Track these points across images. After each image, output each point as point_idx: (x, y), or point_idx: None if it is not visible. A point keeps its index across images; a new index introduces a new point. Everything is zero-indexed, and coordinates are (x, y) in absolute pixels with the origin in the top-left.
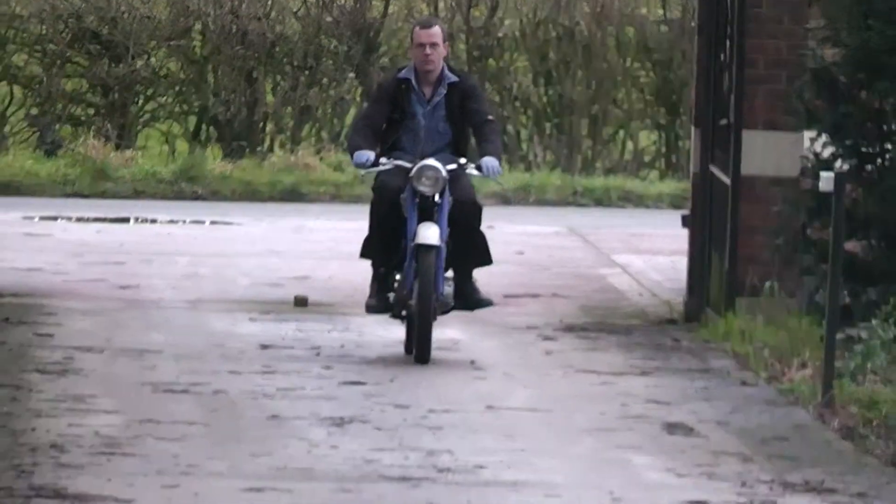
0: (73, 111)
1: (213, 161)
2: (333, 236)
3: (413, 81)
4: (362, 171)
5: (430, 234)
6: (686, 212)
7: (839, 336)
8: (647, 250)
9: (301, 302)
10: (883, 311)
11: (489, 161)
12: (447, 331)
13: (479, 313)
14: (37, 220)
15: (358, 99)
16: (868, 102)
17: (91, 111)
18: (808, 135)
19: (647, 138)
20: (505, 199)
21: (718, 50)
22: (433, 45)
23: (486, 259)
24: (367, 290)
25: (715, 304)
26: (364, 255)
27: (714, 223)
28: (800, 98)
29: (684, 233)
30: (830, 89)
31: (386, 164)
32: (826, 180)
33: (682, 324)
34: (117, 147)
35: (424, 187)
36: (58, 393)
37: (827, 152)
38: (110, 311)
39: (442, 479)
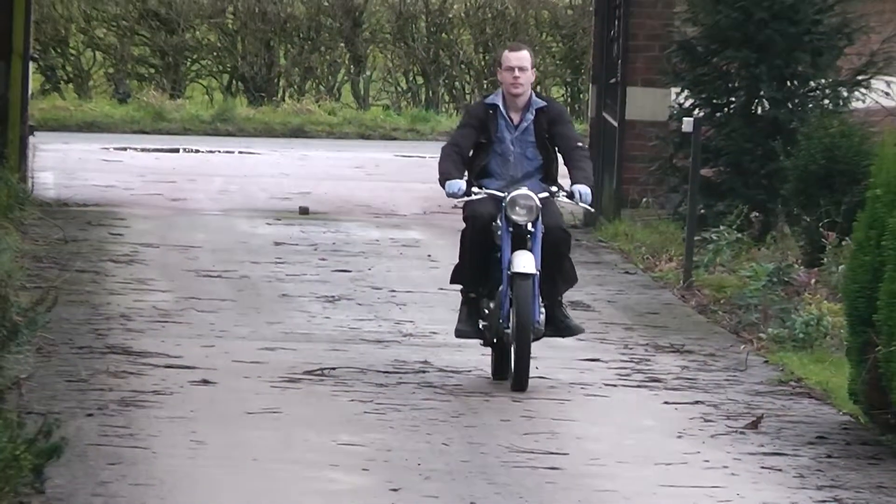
0: (139, 70)
1: (241, 107)
2: (328, 163)
3: (501, 107)
4: (455, 200)
5: (526, 262)
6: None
7: (696, 238)
8: (558, 174)
9: (304, 211)
10: (728, 219)
11: (581, 189)
12: (410, 232)
13: (434, 218)
14: (111, 150)
15: (347, 62)
16: (718, 66)
17: (152, 70)
18: (674, 90)
19: (557, 92)
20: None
21: (610, 27)
22: (522, 68)
23: (573, 281)
24: (354, 203)
25: (606, 213)
26: (455, 280)
27: (605, 154)
28: (669, 63)
29: None
30: (691, 56)
31: (478, 193)
32: (687, 123)
33: (582, 228)
34: (171, 97)
35: (518, 216)
36: (126, 277)
37: (688, 103)
38: (165, 217)
39: (406, 341)
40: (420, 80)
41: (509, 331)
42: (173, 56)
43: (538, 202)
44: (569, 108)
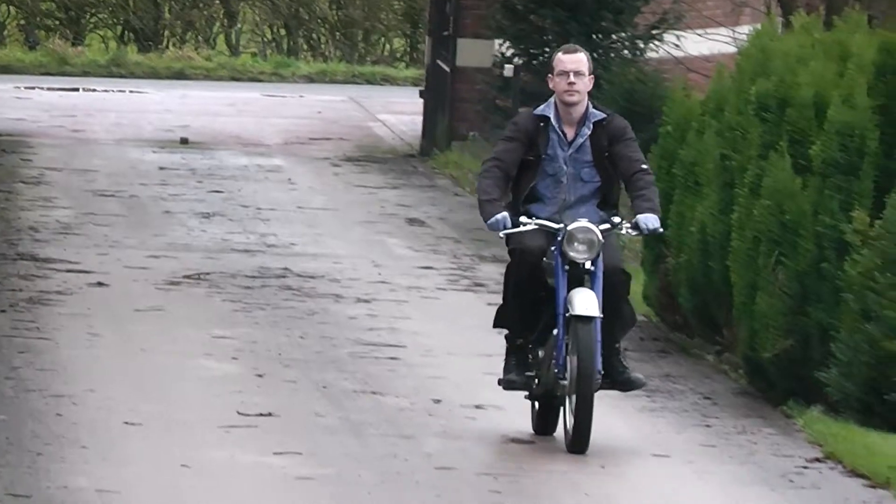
0: (46, 22)
1: (132, 54)
2: (205, 102)
3: (553, 119)
4: (499, 234)
5: (588, 303)
6: (422, 88)
7: None
8: (399, 112)
9: (184, 141)
10: None
11: (648, 220)
12: (273, 159)
13: (294, 147)
14: (22, 89)
15: (221, 17)
16: (535, 22)
17: (57, 22)
18: (497, 42)
19: (399, 42)
20: (310, 79)
21: None
22: (578, 73)
23: (630, 326)
24: (226, 135)
25: (439, 144)
26: (499, 325)
27: (439, 96)
28: (494, 19)
29: (420, 101)
30: (512, 14)
31: (527, 224)
32: (508, 69)
33: (419, 157)
34: (73, 45)
35: (577, 254)
36: (34, 195)
37: (509, 52)
38: (67, 146)
39: (270, 251)
40: (283, 31)
41: (566, 382)
42: (76, 10)
43: (600, 237)
44: (409, 56)
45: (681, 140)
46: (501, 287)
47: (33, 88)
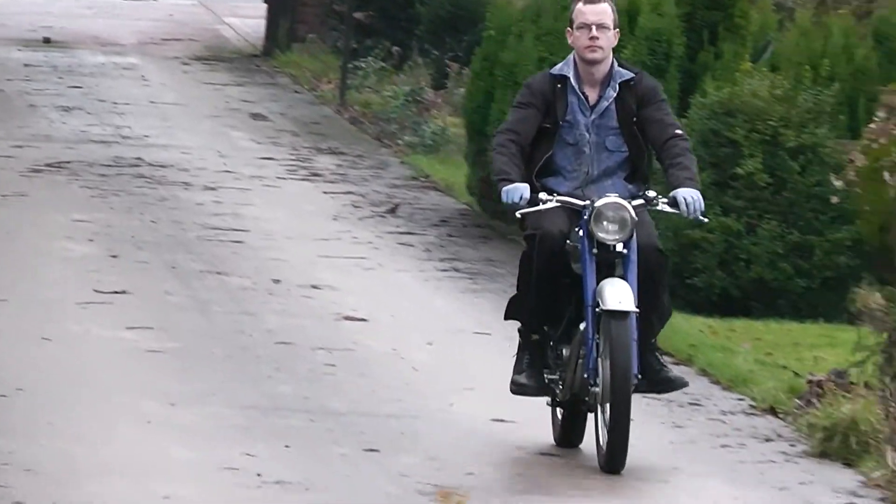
0: None
1: None
2: (67, 5)
3: (573, 80)
4: (518, 213)
5: (622, 295)
6: None
7: (350, 66)
8: (244, 16)
9: (46, 40)
10: (375, 52)
11: (687, 195)
12: (128, 58)
13: (148, 47)
14: None
15: None
16: None
17: None
18: None
19: None
20: None
21: None
22: (601, 26)
23: (668, 317)
24: (86, 35)
25: (280, 46)
26: (512, 316)
27: (285, 3)
28: None
29: (264, 5)
30: None
31: (548, 200)
32: None
33: (262, 57)
34: None
35: (607, 234)
36: None
37: None
38: None
39: (125, 142)
40: None
41: (597, 388)
42: None
43: (633, 214)
44: None
45: (502, 44)
46: (296, 152)
47: None
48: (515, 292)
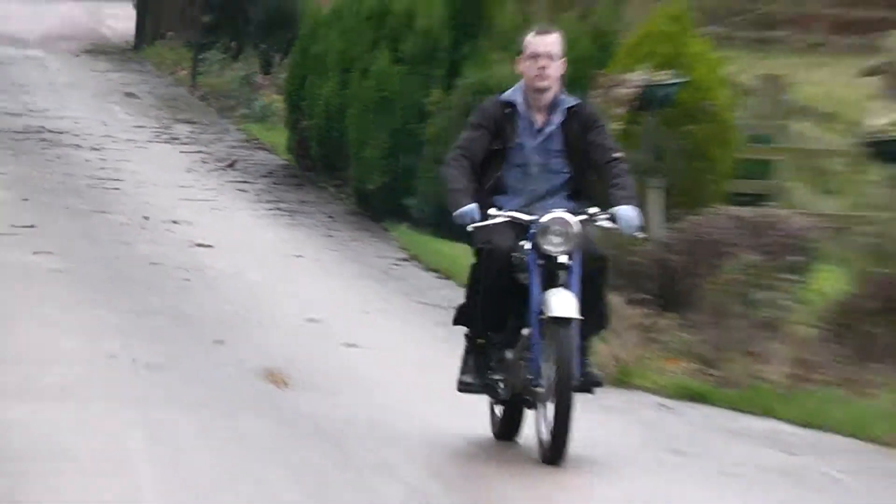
0: None
1: None
2: None
3: (521, 106)
4: (469, 227)
5: (566, 304)
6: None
7: (199, 56)
8: (119, 18)
9: None
10: (218, 46)
11: (626, 212)
12: (33, 51)
13: (48, 43)
14: None
15: None
16: None
17: None
18: None
19: None
20: None
21: None
22: (550, 56)
23: (605, 325)
24: (1, 35)
25: (147, 41)
26: (460, 322)
27: (146, 4)
28: None
29: (134, 11)
30: None
31: (497, 216)
32: None
33: (133, 50)
34: None
35: (553, 247)
36: None
37: None
38: None
39: (31, 114)
40: None
41: (541, 389)
42: None
43: (577, 228)
44: None
45: (313, 39)
46: (159, 122)
47: None
48: (464, 301)
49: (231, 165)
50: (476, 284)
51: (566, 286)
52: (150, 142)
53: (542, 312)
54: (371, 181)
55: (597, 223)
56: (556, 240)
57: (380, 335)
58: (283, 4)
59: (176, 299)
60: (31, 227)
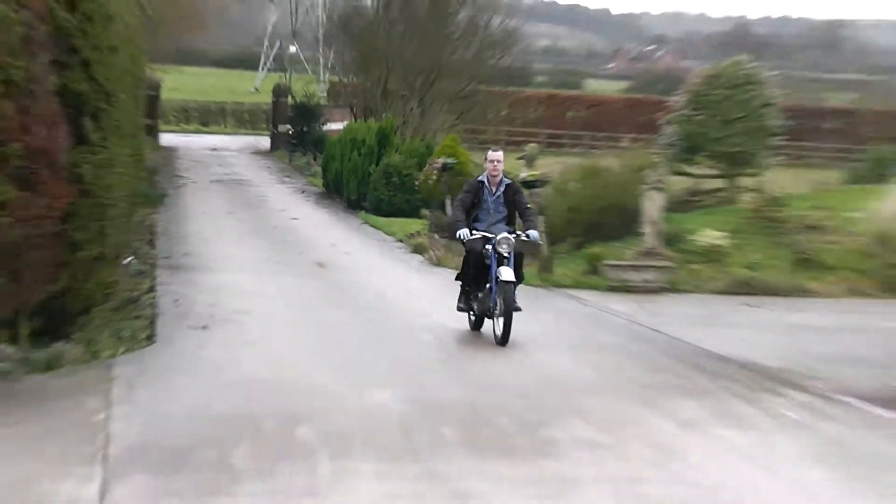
0: None
1: None
2: None
3: (486, 182)
4: (463, 240)
5: (509, 274)
6: None
7: (293, 153)
8: (265, 142)
9: None
10: None
11: (533, 233)
12: None
13: None
14: None
15: None
16: None
17: None
18: None
19: None
20: None
21: None
22: (499, 161)
23: (521, 280)
24: None
25: (274, 149)
26: (459, 279)
27: (274, 139)
28: None
29: (270, 140)
30: None
31: (476, 235)
32: None
33: (269, 152)
34: None
35: (502, 249)
36: None
37: None
38: None
39: (231, 174)
40: None
41: (497, 311)
42: None
43: (513, 241)
44: None
45: (331, 146)
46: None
47: None
48: (460, 271)
49: (303, 192)
50: (466, 266)
51: (508, 265)
52: (275, 184)
53: (497, 277)
54: (351, 196)
55: (521, 238)
56: (505, 246)
57: (358, 250)
58: (321, 136)
59: (284, 238)
60: (231, 212)
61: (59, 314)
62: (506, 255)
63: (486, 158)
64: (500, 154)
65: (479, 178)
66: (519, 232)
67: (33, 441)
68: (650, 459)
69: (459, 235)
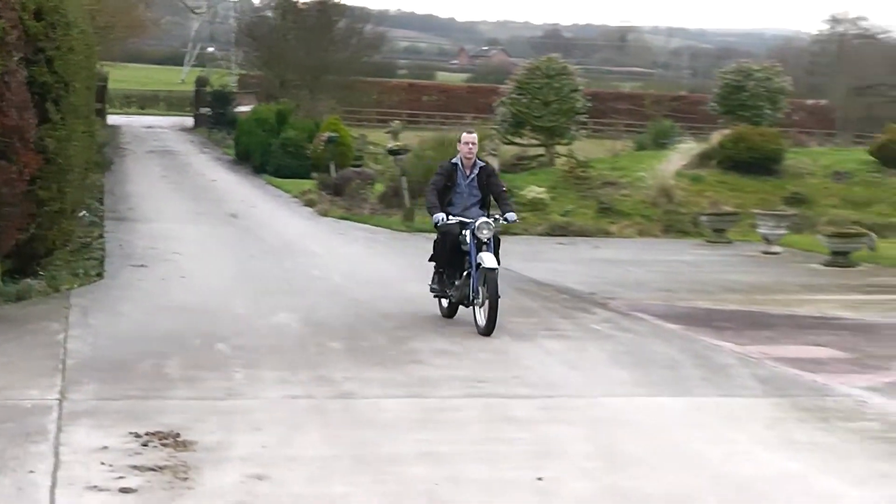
0: None
1: None
2: None
3: (460, 164)
4: (438, 224)
5: (492, 260)
6: None
7: (212, 129)
8: (189, 121)
9: None
10: None
11: (511, 215)
12: None
13: None
14: None
15: None
16: None
17: None
18: None
19: None
20: None
21: None
22: (473, 143)
23: (499, 262)
24: None
25: (198, 126)
26: (433, 260)
27: (197, 119)
28: None
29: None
30: None
31: (453, 220)
32: None
33: (193, 129)
34: None
35: (482, 234)
36: None
37: None
38: None
39: (163, 147)
40: None
41: (480, 300)
42: None
43: (493, 225)
44: None
45: (242, 125)
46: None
47: None
48: (433, 254)
49: (219, 160)
50: (439, 250)
51: (488, 250)
52: (198, 154)
53: (479, 264)
54: (257, 163)
55: (499, 221)
56: (486, 231)
57: (263, 204)
58: (233, 116)
59: (205, 195)
60: (164, 175)
61: (28, 256)
62: (485, 240)
63: (458, 140)
64: (474, 136)
65: (453, 161)
66: (497, 216)
67: (6, 356)
68: (491, 363)
69: (435, 220)
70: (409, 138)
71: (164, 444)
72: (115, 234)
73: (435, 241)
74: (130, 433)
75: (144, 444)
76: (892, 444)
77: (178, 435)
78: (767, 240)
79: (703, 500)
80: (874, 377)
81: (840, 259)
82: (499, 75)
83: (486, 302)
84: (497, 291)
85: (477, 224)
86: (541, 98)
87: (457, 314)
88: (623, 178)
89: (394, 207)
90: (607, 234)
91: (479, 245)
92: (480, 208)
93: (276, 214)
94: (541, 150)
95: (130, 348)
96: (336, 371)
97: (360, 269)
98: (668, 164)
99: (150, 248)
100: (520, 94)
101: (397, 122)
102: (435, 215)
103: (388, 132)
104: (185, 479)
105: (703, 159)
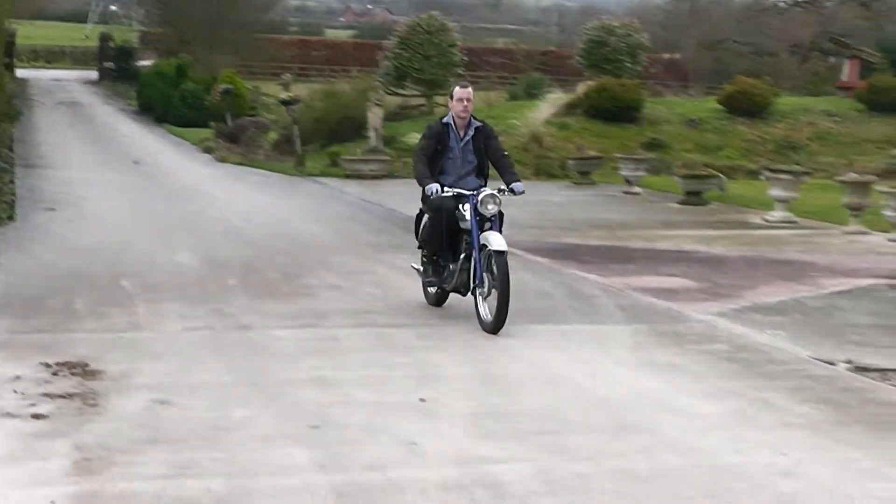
0: None
1: None
2: None
3: (452, 125)
4: (431, 196)
5: (501, 242)
6: None
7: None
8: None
9: None
10: None
11: (518, 185)
12: None
13: None
14: None
15: None
16: None
17: None
18: None
19: None
20: None
21: None
22: (468, 100)
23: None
24: None
25: (103, 79)
26: (423, 246)
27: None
28: None
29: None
30: None
31: (449, 192)
32: None
33: (98, 83)
34: None
35: (486, 210)
36: None
37: None
38: None
39: (70, 100)
40: None
41: (485, 288)
42: None
43: (500, 198)
44: None
45: (145, 77)
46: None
47: None
48: (426, 235)
49: (123, 111)
50: (433, 230)
51: (493, 229)
52: (102, 105)
53: (483, 245)
54: (158, 114)
55: (505, 193)
56: (491, 206)
57: (164, 151)
58: (136, 70)
59: (109, 144)
60: (71, 126)
61: None
62: (489, 217)
63: (451, 96)
64: (469, 91)
65: (444, 120)
66: (502, 186)
67: None
68: (377, 295)
69: (429, 192)
70: (300, 90)
71: (73, 374)
72: (25, 181)
73: (422, 220)
74: (41, 363)
75: (55, 374)
76: (738, 363)
77: (86, 365)
78: (628, 181)
79: (567, 414)
80: (723, 304)
81: (693, 198)
82: (382, 32)
83: (494, 292)
84: (508, 279)
85: (480, 197)
86: (422, 52)
87: (446, 302)
88: (498, 126)
89: (286, 154)
90: None
91: (482, 222)
92: (477, 177)
93: (176, 161)
94: (422, 101)
95: (41, 286)
96: (233, 305)
97: (256, 211)
98: (538, 113)
99: (59, 192)
100: (402, 49)
101: (289, 74)
102: (428, 186)
103: (280, 84)
104: (94, 405)
105: (570, 108)
